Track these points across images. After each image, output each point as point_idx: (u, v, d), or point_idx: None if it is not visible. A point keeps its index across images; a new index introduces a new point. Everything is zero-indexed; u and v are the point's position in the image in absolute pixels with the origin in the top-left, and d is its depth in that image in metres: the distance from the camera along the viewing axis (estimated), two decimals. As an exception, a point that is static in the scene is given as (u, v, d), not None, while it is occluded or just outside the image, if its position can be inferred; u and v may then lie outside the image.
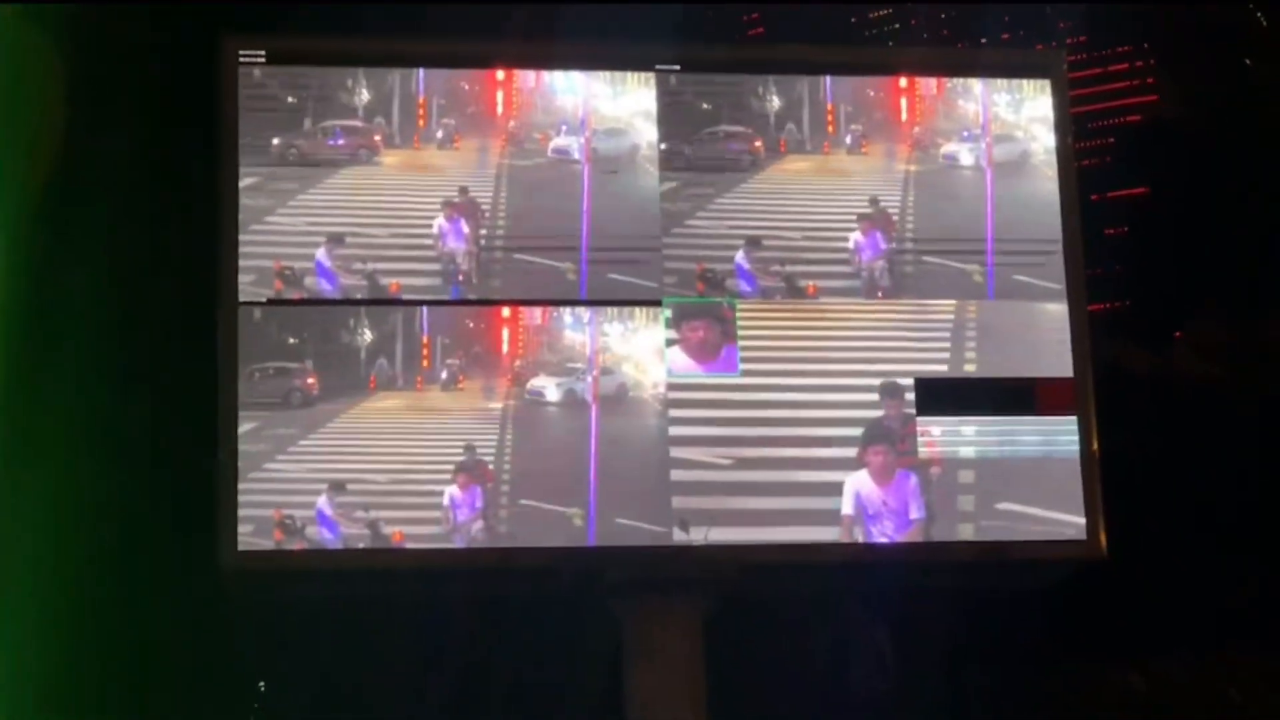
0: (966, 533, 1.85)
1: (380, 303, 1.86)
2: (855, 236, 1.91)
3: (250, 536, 1.74)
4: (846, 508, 1.85)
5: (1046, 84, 1.96)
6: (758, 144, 1.91)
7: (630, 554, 1.80)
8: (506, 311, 1.88)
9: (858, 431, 1.87)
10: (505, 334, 1.87)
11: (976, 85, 1.97)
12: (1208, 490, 1.94)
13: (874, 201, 1.93)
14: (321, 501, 1.79)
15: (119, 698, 1.72)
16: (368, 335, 1.85)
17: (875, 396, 1.89)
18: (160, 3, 1.89)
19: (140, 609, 1.80)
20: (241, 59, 1.75)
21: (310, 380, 1.83)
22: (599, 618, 1.81)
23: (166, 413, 1.86)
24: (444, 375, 1.86)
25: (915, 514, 1.87)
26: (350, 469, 1.82)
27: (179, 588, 1.79)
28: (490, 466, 1.83)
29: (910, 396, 1.88)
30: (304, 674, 1.86)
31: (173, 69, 1.86)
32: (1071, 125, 1.97)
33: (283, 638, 1.90)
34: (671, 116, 1.90)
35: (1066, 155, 1.95)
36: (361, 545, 1.77)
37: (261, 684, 1.92)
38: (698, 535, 1.80)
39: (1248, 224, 2.03)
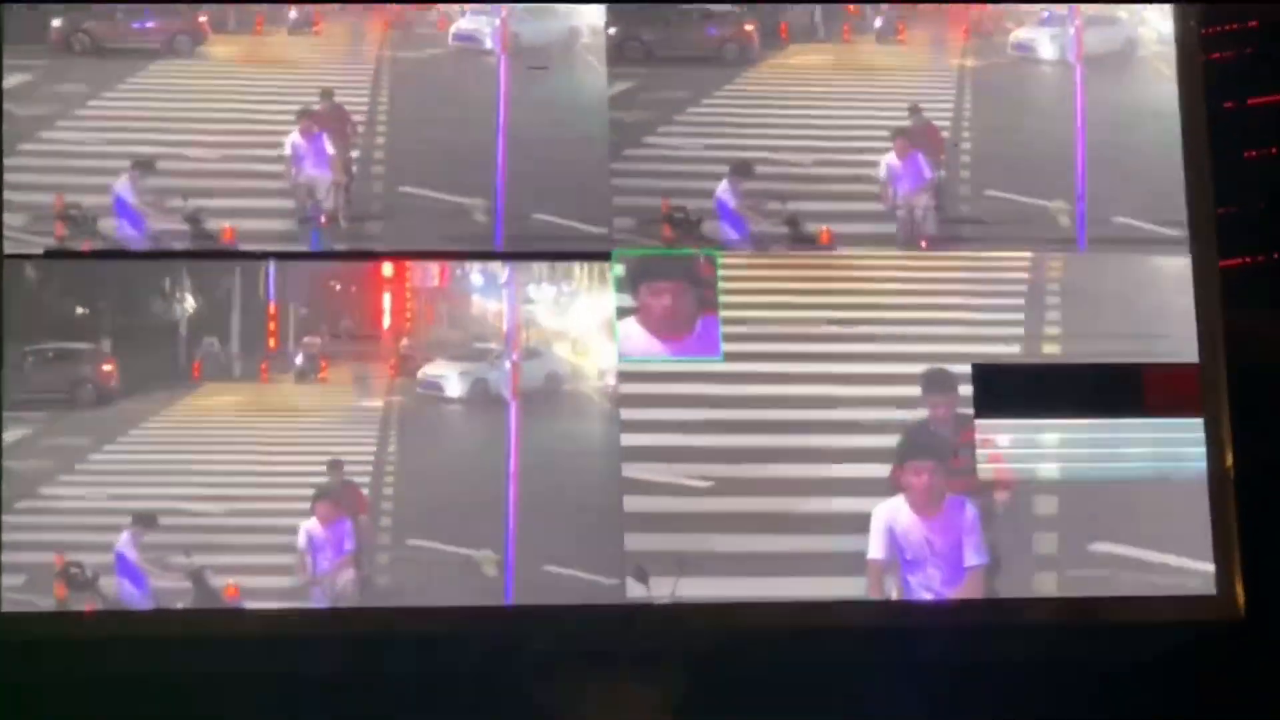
0: (1047, 585, 1.53)
1: (208, 255, 1.53)
2: (888, 161, 1.58)
3: (20, 592, 1.44)
4: (875, 550, 1.52)
5: (1162, -56, 1.58)
6: (748, 28, 1.60)
7: (564, 617, 1.49)
8: (388, 268, 1.55)
9: (891, 441, 1.54)
10: (387, 300, 1.55)
11: (1060, -56, 1.60)
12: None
13: (915, 110, 1.59)
14: (123, 542, 1.48)
15: None
16: (189, 303, 1.53)
17: (916, 391, 1.56)
18: None
19: None
20: None
21: (107, 367, 1.52)
22: (518, 706, 1.53)
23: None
24: (299, 360, 1.54)
25: (973, 559, 1.53)
26: (165, 495, 1.51)
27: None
28: (365, 491, 1.51)
29: (966, 391, 1.55)
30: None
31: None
32: (1199, 3, 1.65)
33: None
34: None
35: (1190, 45, 1.60)
36: (181, 604, 1.48)
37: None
38: (661, 590, 1.49)
39: None
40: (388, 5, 1.52)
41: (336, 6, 1.52)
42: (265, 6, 1.52)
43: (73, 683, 1.49)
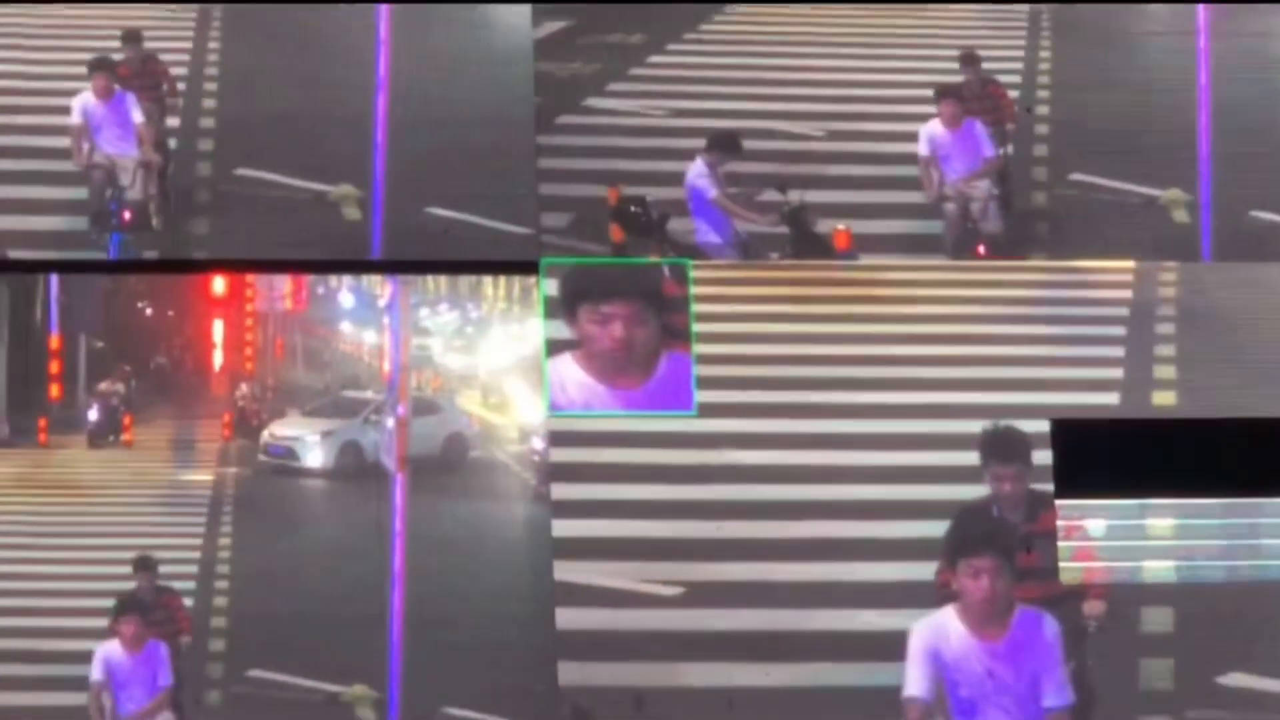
0: None
1: None
2: (932, 132, 1.28)
3: None
4: (915, 685, 1.20)
5: None
6: None
7: None
8: (220, 285, 1.23)
9: (937, 529, 1.24)
10: (218, 330, 1.24)
11: None
12: None
13: (969, 60, 1.27)
14: None
15: None
16: None
17: (972, 458, 1.27)
18: None
19: None
20: None
21: None
22: None
23: None
24: (93, 415, 1.24)
25: (1055, 698, 1.19)
26: None
27: None
28: (187, 602, 1.22)
29: (1042, 456, 1.26)
30: None
31: None
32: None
33: None
34: None
35: None
36: None
37: None
38: None
39: None
40: None
41: None
42: None
43: None
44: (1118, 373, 1.28)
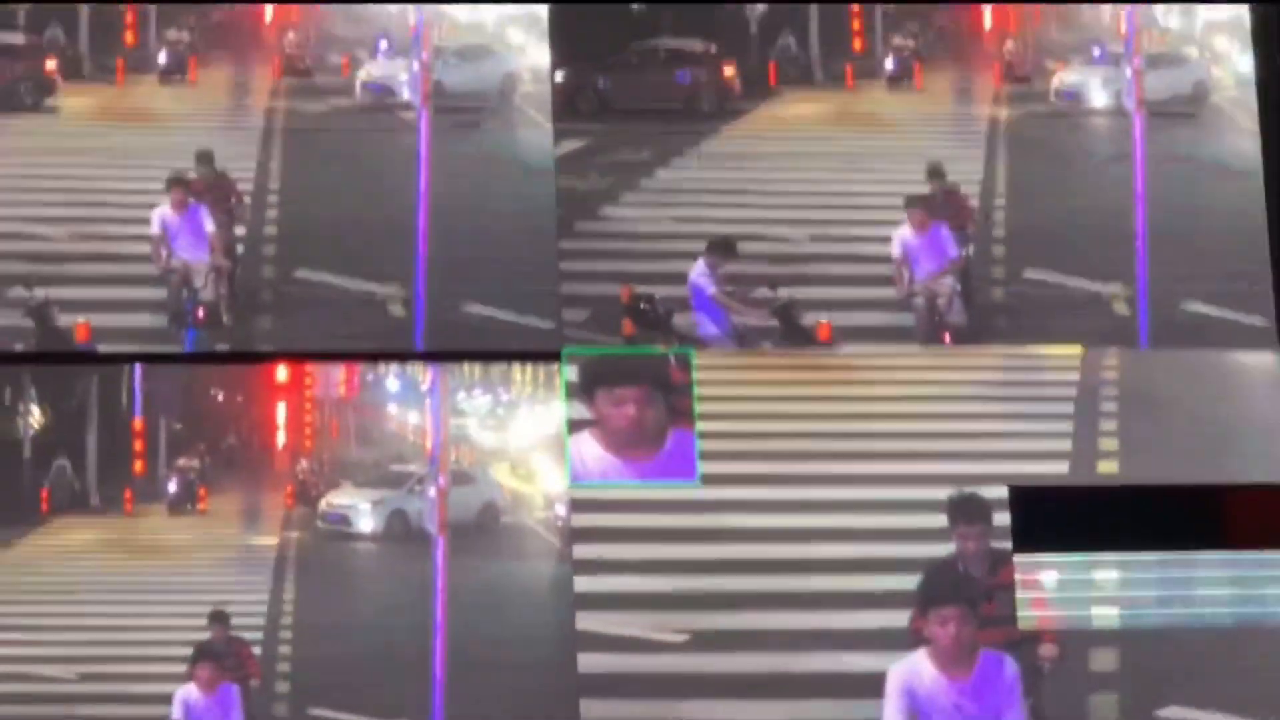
0: None
1: (61, 359, 1.41)
2: (903, 236, 1.46)
3: None
4: (892, 718, 1.38)
5: (1241, -28, 1.74)
6: (728, 71, 1.49)
7: None
8: (283, 373, 1.42)
9: (910, 582, 1.41)
10: (281, 413, 1.42)
11: (1114, -29, 1.76)
12: None
13: (936, 173, 1.47)
14: None
15: None
16: (36, 416, 1.41)
17: (941, 520, 1.43)
18: None
19: None
20: None
21: None
22: None
23: None
24: (172, 487, 1.41)
25: None
26: (7, 656, 1.36)
27: None
28: (256, 650, 1.38)
29: (1002, 520, 1.43)
30: None
31: None
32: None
33: None
34: (573, 26, 1.46)
35: (1275, 85, 1.49)
36: None
37: None
38: None
39: None
40: (282, 48, 1.41)
41: (222, 49, 1.41)
42: (127, 47, 1.42)
43: None
44: (1067, 445, 1.43)
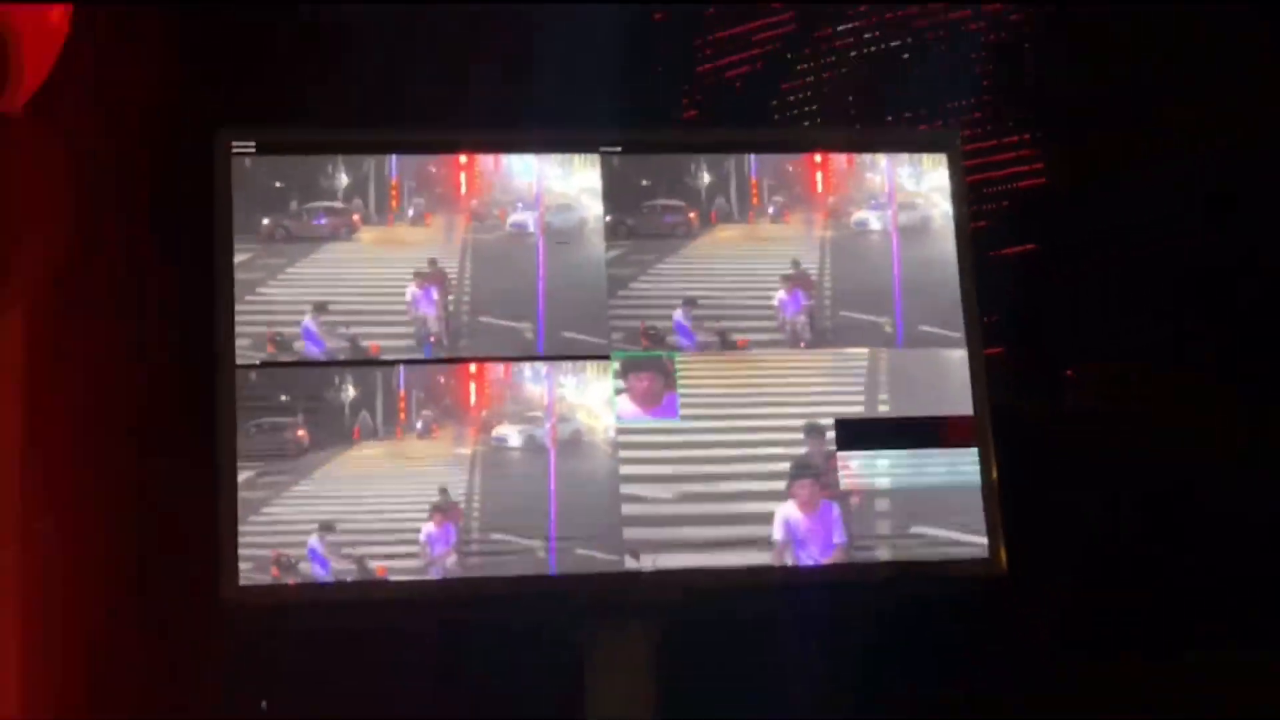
0: (883, 554, 2.20)
1: (361, 363, 2.18)
2: (779, 295, 2.26)
3: (250, 573, 2.04)
4: (777, 534, 2.17)
5: (944, 158, 2.32)
6: (692, 215, 2.25)
7: (587, 580, 2.12)
8: (473, 368, 2.18)
9: (786, 467, 2.23)
10: (472, 388, 2.18)
11: (882, 159, 2.32)
12: (1098, 513, 2.37)
13: (795, 263, 2.27)
14: (313, 540, 2.06)
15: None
16: (351, 392, 2.15)
17: (800, 436, 2.24)
18: (158, 98, 2.29)
19: (145, 647, 2.22)
20: (234, 150, 2.14)
21: (301, 433, 2.11)
22: (561, 640, 2.16)
23: (172, 466, 2.23)
24: (419, 426, 2.16)
25: (837, 539, 2.19)
26: (338, 511, 2.09)
27: (184, 625, 2.16)
28: (461, 506, 2.13)
29: (831, 435, 2.24)
30: (296, 698, 2.23)
31: (174, 158, 2.26)
32: (967, 193, 2.32)
33: (276, 668, 2.25)
34: (615, 192, 2.24)
35: (963, 220, 2.31)
36: (349, 579, 2.04)
37: (263, 703, 2.33)
38: (646, 563, 2.12)
39: (1126, 274, 2.48)
40: (470, 206, 2.31)
41: (440, 208, 2.32)
42: (393, 208, 2.31)
43: (280, 631, 2.31)
44: (862, 397, 2.24)
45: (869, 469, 2.24)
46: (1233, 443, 2.39)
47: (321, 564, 2.06)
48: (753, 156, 2.28)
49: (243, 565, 2.03)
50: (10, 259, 2.03)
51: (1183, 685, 2.26)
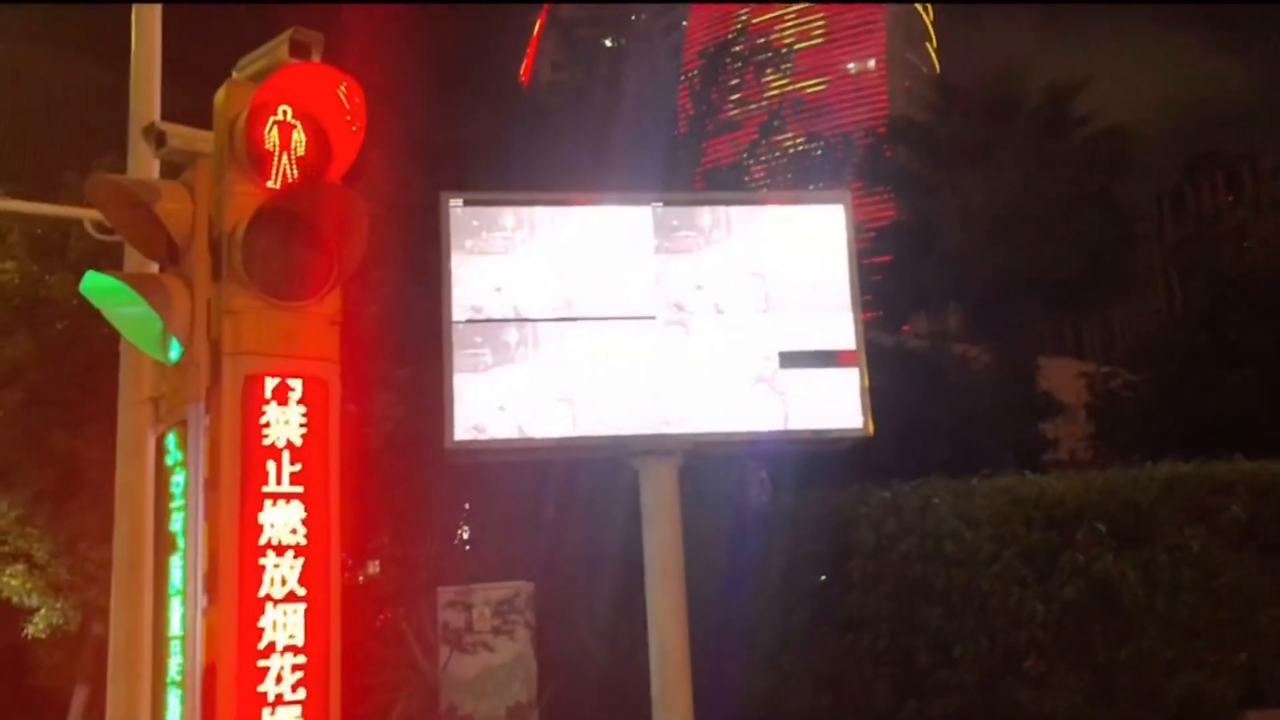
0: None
1: (519, 321, 4.10)
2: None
3: (462, 433, 4.05)
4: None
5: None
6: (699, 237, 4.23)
7: (640, 438, 4.40)
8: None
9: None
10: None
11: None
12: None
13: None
14: (494, 414, 4.15)
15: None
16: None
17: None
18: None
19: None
20: (451, 206, 4.13)
21: (489, 358, 4.10)
22: (628, 469, 4.32)
23: (421, 372, 4.30)
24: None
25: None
26: (511, 400, 4.26)
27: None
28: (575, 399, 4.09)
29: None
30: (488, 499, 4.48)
31: (418, 207, 4.38)
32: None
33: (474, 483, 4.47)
34: (659, 229, 4.21)
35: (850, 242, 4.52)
36: (516, 436, 4.46)
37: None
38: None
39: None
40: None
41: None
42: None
43: (477, 465, 4.34)
44: None
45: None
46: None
47: (501, 429, 4.08)
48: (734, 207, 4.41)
49: (458, 428, 4.07)
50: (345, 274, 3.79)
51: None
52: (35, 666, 10.54)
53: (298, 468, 3.34)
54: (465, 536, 8.52)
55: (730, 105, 12.80)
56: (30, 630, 9.74)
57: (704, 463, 4.88)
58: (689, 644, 4.73)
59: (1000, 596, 6.48)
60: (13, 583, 9.40)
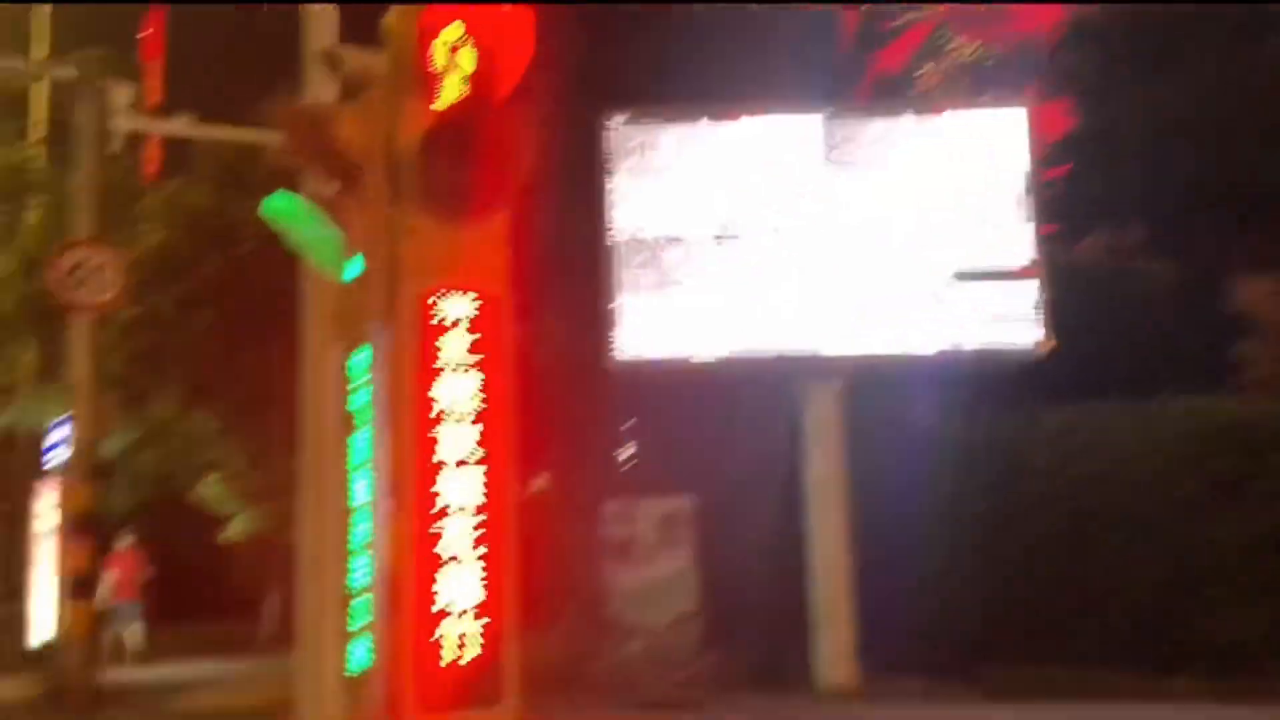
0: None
1: (670, 240, 4.13)
2: None
3: (624, 352, 4.23)
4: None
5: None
6: None
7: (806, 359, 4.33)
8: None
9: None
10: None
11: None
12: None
13: None
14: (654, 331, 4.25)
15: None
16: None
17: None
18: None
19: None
20: (612, 124, 4.21)
21: (646, 280, 4.17)
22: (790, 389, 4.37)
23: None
24: None
25: None
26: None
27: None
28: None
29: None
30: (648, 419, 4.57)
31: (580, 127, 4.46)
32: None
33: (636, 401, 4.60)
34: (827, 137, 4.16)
35: None
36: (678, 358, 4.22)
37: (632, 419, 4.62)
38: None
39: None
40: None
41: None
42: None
43: (636, 382, 4.43)
44: None
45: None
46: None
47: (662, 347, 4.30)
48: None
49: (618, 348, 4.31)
50: (507, 192, 3.90)
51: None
52: (231, 571, 11.34)
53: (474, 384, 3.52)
54: (629, 454, 8.83)
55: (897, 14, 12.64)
56: (227, 536, 10.47)
57: (870, 384, 4.85)
58: (851, 566, 4.77)
59: (1183, 524, 6.32)
60: (213, 489, 10.17)
